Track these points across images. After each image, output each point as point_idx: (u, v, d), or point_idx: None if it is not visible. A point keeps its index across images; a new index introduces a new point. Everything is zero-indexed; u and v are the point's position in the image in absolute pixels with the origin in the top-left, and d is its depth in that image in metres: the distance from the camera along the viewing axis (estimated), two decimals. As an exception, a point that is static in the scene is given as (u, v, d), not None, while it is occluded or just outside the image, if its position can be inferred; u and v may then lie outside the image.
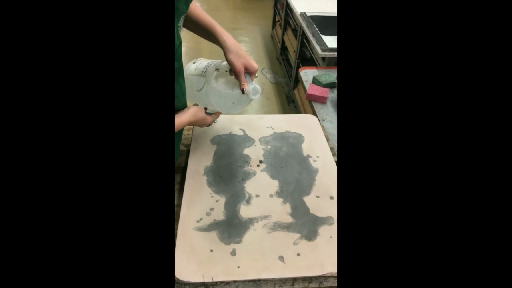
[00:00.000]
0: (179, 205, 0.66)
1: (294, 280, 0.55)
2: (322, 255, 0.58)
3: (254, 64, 0.63)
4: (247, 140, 0.83)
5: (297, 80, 1.87)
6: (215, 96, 0.67)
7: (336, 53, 1.50)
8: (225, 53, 0.64)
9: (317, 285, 0.57)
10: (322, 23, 1.81)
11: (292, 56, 2.25)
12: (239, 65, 0.62)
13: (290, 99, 2.39)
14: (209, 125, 0.73)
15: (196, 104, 0.69)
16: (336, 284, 0.57)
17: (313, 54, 1.75)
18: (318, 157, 0.79)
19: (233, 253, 0.57)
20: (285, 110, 2.31)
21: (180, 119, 0.63)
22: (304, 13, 1.98)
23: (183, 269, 0.54)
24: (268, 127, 0.88)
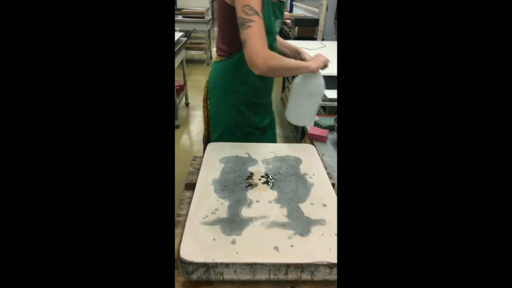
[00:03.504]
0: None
1: (287, 267, 0.61)
2: (313, 247, 0.63)
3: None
4: (251, 161, 0.94)
5: (304, 134, 2.02)
6: (295, 91, 1.04)
7: (335, 103, 1.67)
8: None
9: (309, 276, 0.62)
10: (325, 81, 2.03)
11: (299, 112, 2.44)
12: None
13: (297, 151, 2.51)
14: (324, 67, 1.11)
15: None
16: (326, 277, 0.62)
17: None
18: (314, 175, 0.88)
19: (233, 242, 0.64)
20: (292, 162, 2.42)
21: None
22: (309, 74, 2.23)
23: (188, 252, 0.61)
24: (270, 152, 0.99)
